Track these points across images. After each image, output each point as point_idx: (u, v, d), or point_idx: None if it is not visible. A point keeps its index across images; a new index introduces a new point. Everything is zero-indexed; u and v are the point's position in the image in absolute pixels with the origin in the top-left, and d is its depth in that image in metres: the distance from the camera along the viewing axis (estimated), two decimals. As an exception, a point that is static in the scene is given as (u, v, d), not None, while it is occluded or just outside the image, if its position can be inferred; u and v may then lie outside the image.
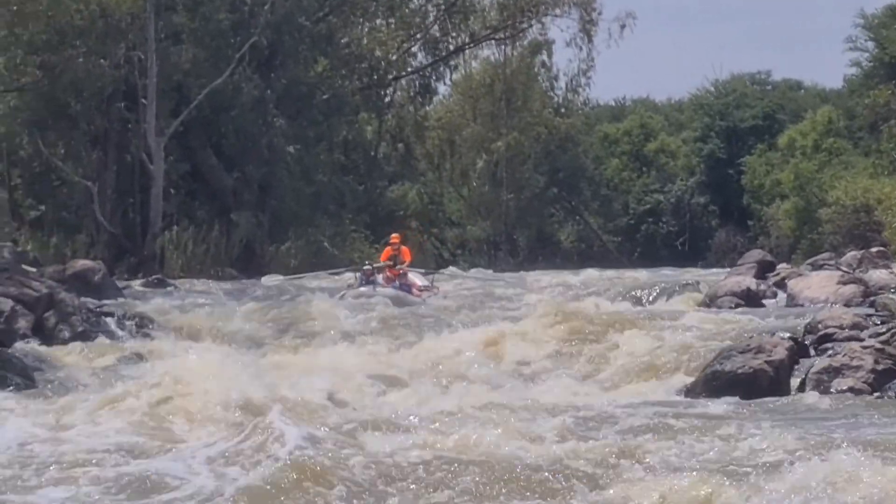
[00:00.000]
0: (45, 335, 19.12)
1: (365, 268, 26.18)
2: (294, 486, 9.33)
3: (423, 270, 28.56)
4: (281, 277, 30.38)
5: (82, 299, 21.28)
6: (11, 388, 14.77)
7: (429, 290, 26.44)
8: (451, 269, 39.19)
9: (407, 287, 25.80)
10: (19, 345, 17.98)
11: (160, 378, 13.45)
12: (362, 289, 25.20)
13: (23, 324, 18.92)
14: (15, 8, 27.51)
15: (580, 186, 60.37)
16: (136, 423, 12.03)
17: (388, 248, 27.04)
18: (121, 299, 24.88)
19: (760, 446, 10.52)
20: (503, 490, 9.39)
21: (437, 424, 11.43)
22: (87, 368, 16.71)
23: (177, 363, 14.60)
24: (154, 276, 32.14)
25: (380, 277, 25.69)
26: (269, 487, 9.29)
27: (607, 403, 13.84)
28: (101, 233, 37.24)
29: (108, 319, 20.61)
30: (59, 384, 15.32)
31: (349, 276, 27.59)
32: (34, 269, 25.53)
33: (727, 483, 9.11)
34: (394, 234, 27.98)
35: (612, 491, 9.30)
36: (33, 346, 18.17)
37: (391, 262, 26.27)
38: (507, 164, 55.25)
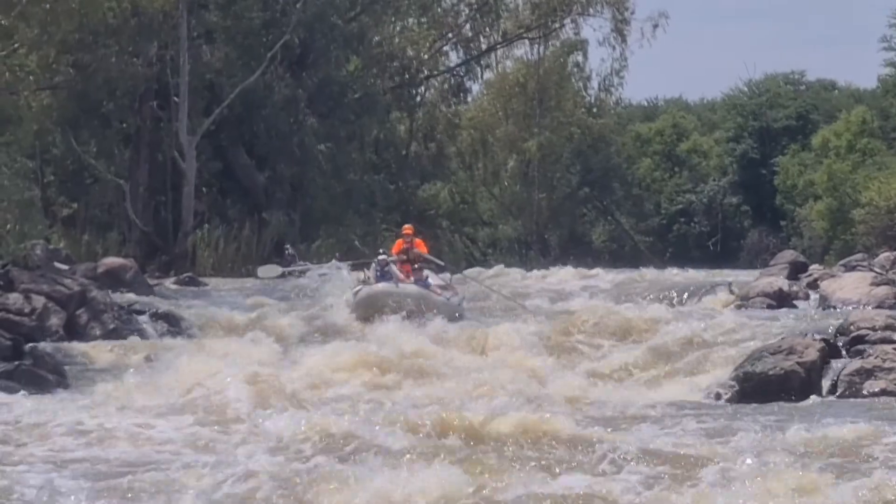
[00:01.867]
0: (77, 332, 19.26)
1: (380, 257, 23.23)
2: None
3: (437, 262, 25.42)
4: (279, 269, 27.73)
5: (114, 297, 21.38)
6: (44, 384, 14.83)
7: (447, 289, 23.82)
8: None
9: (424, 285, 23.22)
10: (51, 341, 18.08)
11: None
12: (380, 285, 22.57)
13: (55, 321, 19.02)
14: (48, 6, 27.57)
15: (612, 186, 60.21)
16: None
17: (400, 240, 24.16)
18: (152, 297, 24.95)
19: (786, 446, 10.48)
20: (540, 487, 9.38)
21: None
22: (119, 366, 16.76)
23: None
24: (185, 275, 32.21)
25: (394, 268, 23.01)
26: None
27: (640, 403, 13.81)
28: (133, 231, 37.40)
29: (140, 317, 20.73)
30: (92, 380, 15.37)
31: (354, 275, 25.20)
32: (66, 267, 25.66)
33: (755, 483, 9.08)
34: (406, 226, 25.06)
35: (644, 489, 9.28)
36: (65, 343, 18.26)
37: (404, 256, 23.60)
38: (539, 164, 55.15)
